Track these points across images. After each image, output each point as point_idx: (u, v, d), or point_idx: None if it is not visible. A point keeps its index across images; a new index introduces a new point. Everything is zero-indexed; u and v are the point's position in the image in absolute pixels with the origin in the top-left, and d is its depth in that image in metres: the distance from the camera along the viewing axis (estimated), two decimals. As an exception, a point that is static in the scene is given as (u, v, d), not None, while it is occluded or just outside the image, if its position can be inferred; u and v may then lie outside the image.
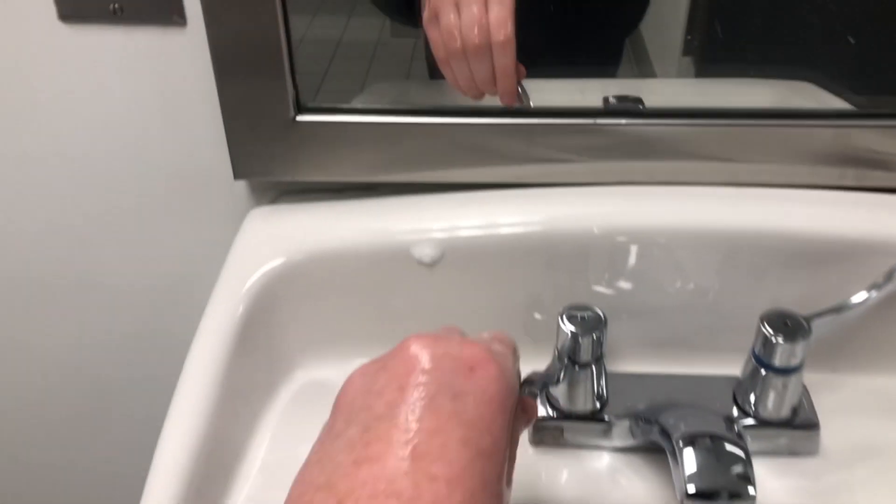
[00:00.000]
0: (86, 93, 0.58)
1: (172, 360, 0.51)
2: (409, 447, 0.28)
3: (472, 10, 0.48)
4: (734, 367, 0.52)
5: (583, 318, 0.48)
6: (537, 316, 0.57)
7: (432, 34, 0.50)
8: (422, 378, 0.31)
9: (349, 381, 0.33)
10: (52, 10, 0.54)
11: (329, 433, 0.31)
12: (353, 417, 0.31)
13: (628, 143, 0.55)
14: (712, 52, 0.56)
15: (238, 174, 0.57)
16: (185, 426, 0.47)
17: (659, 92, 0.59)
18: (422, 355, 0.32)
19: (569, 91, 0.58)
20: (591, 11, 0.57)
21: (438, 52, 0.51)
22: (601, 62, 0.59)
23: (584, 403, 0.50)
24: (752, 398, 0.50)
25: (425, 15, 0.50)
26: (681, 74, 0.58)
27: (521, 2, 0.48)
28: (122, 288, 0.69)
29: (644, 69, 0.58)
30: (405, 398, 0.30)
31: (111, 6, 0.53)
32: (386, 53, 0.58)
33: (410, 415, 0.29)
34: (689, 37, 0.55)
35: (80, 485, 0.83)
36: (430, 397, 0.30)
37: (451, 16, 0.49)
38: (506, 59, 0.49)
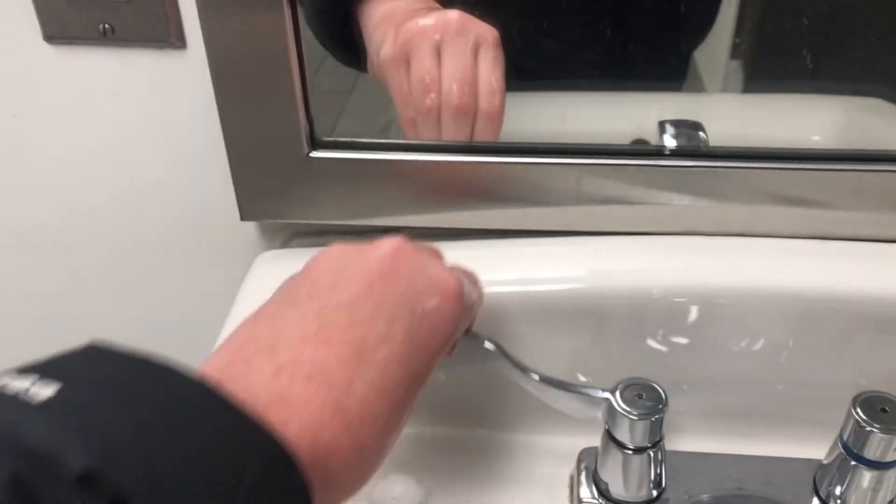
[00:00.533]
0: (74, 121, 0.54)
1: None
2: (356, 347, 0.29)
3: (459, 61, 0.39)
4: (812, 447, 0.46)
5: (640, 395, 0.43)
6: (581, 378, 0.51)
7: (395, 80, 0.40)
8: (393, 285, 0.32)
9: (326, 254, 0.34)
10: (36, 30, 0.49)
11: (290, 296, 0.32)
12: (316, 292, 0.32)
13: (693, 185, 0.49)
14: (762, 57, 0.52)
15: (245, 215, 0.53)
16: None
17: (717, 112, 0.53)
18: (402, 262, 0.33)
19: (618, 107, 0.53)
20: (658, 24, 0.50)
21: (403, 109, 0.41)
22: (664, 78, 0.53)
23: (637, 491, 0.45)
24: (839, 491, 0.44)
25: (386, 51, 0.40)
26: (728, 79, 0.53)
27: (586, 15, 0.42)
28: (115, 341, 0.64)
29: (690, 74, 0.53)
30: (369, 297, 0.31)
31: (101, 26, 0.48)
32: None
33: (368, 317, 0.31)
34: (737, 40, 0.51)
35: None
36: (394, 306, 0.31)
37: (428, 62, 0.39)
38: (490, 133, 0.41)
